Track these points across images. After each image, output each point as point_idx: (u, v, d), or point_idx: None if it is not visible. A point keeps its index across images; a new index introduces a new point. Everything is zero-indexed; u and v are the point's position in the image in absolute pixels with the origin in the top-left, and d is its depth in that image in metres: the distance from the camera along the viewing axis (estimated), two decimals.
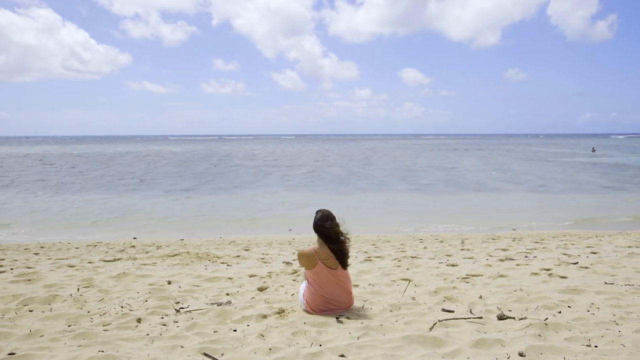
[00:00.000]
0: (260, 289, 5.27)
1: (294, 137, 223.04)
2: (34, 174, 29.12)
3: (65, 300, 4.70)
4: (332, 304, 4.21)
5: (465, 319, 3.91)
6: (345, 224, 4.30)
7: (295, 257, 7.38)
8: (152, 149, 71.82)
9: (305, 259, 4.22)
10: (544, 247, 8.64)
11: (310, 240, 10.27)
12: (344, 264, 4.24)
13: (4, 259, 7.75)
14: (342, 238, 4.21)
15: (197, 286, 5.45)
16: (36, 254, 8.66)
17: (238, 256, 8.18)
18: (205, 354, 3.11)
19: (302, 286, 4.42)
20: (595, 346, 3.18)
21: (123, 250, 9.29)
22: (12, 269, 6.56)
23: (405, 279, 5.62)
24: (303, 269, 4.43)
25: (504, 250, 8.41)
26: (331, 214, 4.29)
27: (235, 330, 3.73)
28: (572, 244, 9.01)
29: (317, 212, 4.32)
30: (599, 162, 40.15)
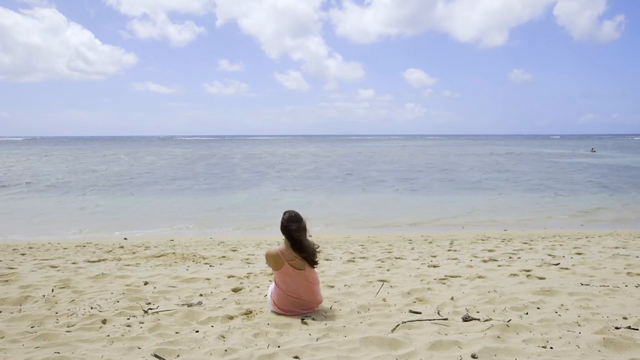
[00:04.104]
0: (235, 290, 5.26)
1: (295, 138, 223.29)
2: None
3: (36, 301, 4.71)
4: (299, 304, 4.20)
5: (429, 320, 3.89)
6: (311, 226, 4.29)
7: None
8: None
9: (272, 260, 4.21)
10: (531, 248, 8.60)
11: None
12: (312, 264, 4.22)
13: None
14: (307, 241, 4.20)
15: (173, 287, 5.45)
16: (23, 254, 8.69)
17: (224, 257, 8.18)
18: (156, 356, 3.11)
19: (271, 287, 4.42)
20: (551, 347, 3.16)
21: (110, 250, 9.30)
22: None
23: (382, 280, 5.61)
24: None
25: (490, 251, 8.37)
26: (298, 215, 4.28)
27: (197, 332, 3.73)
28: (560, 245, 8.97)
29: (284, 213, 4.32)
30: (598, 162, 40.03)
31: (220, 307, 4.48)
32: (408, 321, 3.85)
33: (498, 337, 3.35)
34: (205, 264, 7.44)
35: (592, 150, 59.98)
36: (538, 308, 4.24)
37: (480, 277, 5.78)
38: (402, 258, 7.63)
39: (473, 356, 3.02)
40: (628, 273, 5.71)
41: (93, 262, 7.65)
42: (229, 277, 6.01)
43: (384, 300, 4.67)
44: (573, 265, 6.41)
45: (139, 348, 3.34)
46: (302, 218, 4.27)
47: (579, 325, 3.64)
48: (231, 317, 4.14)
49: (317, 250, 4.33)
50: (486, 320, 3.84)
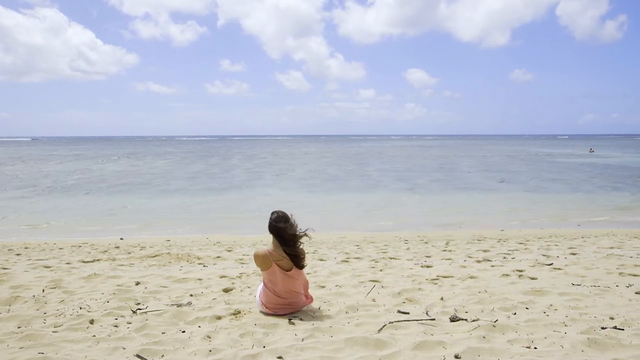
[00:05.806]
0: (226, 290, 5.26)
1: (295, 138, 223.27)
2: None
3: (26, 301, 4.70)
4: (286, 304, 4.20)
5: (417, 320, 3.88)
6: (299, 225, 4.28)
7: None
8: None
9: (260, 260, 4.21)
10: (526, 248, 8.59)
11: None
12: (299, 266, 4.23)
13: None
14: (297, 240, 4.20)
15: (164, 287, 5.44)
16: (18, 254, 8.69)
17: (218, 257, 8.18)
18: (139, 356, 3.10)
19: (259, 287, 4.42)
20: (535, 348, 3.15)
21: (106, 251, 9.31)
22: None
23: (374, 281, 5.60)
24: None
25: (485, 251, 8.36)
26: (286, 215, 4.27)
27: (183, 332, 3.73)
28: (556, 245, 8.95)
29: (272, 213, 4.31)
30: (597, 162, 40.03)
31: (209, 307, 4.47)
32: (395, 321, 3.84)
33: (483, 337, 3.35)
34: (199, 264, 7.44)
35: (591, 151, 59.97)
36: (527, 308, 4.23)
37: (472, 277, 5.76)
38: (396, 258, 7.62)
39: (456, 356, 3.01)
40: (620, 273, 5.70)
41: (87, 262, 7.65)
42: (221, 277, 6.00)
43: (374, 300, 4.66)
44: (566, 265, 6.40)
45: (124, 348, 3.34)
46: (290, 217, 4.26)
47: (566, 325, 3.63)
48: (219, 317, 4.14)
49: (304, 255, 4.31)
50: (473, 321, 3.83)
